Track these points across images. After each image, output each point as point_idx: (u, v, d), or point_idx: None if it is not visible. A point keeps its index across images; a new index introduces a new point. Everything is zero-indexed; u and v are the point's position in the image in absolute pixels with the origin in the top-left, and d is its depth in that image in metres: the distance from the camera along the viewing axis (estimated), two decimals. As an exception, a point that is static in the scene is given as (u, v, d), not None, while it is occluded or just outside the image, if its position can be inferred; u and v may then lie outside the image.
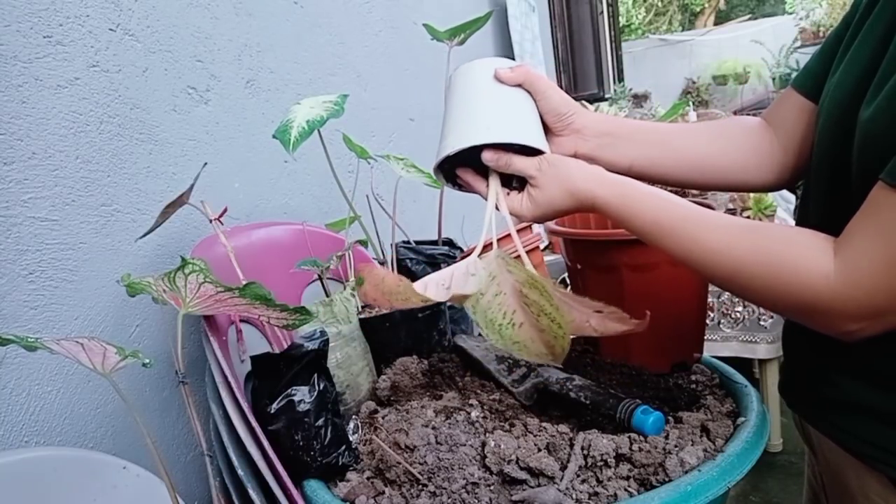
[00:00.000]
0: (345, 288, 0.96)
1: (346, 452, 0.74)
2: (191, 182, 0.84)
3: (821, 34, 6.68)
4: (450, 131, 0.71)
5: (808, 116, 0.73)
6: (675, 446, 0.66)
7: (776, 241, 0.59)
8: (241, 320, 0.92)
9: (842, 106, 0.61)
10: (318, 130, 0.86)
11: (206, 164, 0.90)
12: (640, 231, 0.65)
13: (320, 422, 0.73)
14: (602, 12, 4.04)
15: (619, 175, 0.67)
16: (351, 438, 0.78)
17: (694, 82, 8.41)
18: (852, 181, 0.58)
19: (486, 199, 0.72)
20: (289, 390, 0.73)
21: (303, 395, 0.73)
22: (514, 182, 0.73)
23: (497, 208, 0.72)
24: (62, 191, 0.78)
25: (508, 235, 0.72)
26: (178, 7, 0.99)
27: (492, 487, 0.65)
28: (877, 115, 0.54)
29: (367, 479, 0.71)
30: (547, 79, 0.73)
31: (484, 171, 0.73)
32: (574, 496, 0.61)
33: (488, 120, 0.69)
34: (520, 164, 0.69)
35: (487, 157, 0.69)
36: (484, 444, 0.69)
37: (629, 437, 0.67)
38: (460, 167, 0.74)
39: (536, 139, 0.70)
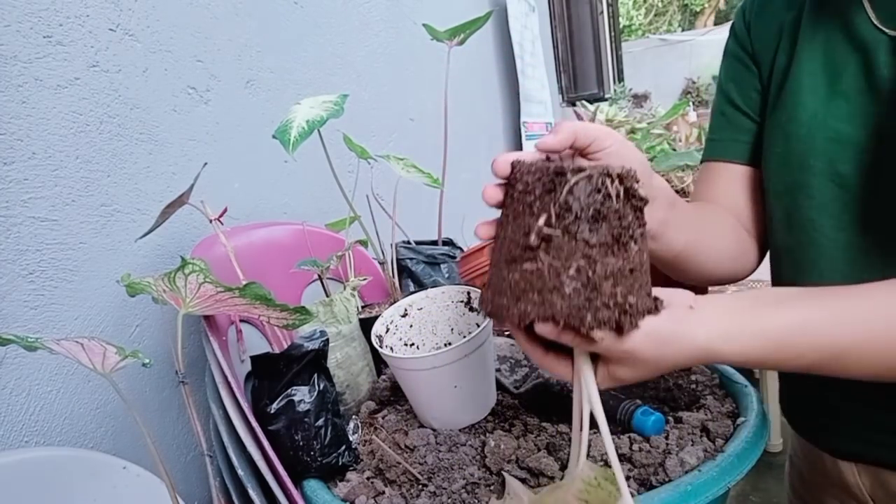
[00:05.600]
0: (345, 288, 0.96)
1: (346, 452, 0.74)
2: (191, 182, 0.84)
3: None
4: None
5: (749, 184, 0.72)
6: (676, 446, 0.66)
7: None
8: (241, 320, 0.92)
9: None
10: (318, 130, 0.86)
11: (206, 164, 0.90)
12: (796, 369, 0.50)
13: (320, 422, 0.73)
14: (602, 12, 4.04)
15: (750, 309, 0.48)
16: (351, 438, 0.78)
17: (694, 82, 8.43)
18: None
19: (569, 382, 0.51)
20: (289, 390, 0.72)
21: (303, 395, 0.73)
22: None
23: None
24: (62, 191, 0.78)
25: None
26: (178, 7, 0.98)
27: (492, 487, 0.65)
28: None
29: (367, 479, 0.71)
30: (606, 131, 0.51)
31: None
32: (574, 496, 0.61)
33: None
34: (608, 343, 0.44)
35: (545, 330, 0.43)
36: (484, 444, 0.69)
37: (629, 437, 0.67)
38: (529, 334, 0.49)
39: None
